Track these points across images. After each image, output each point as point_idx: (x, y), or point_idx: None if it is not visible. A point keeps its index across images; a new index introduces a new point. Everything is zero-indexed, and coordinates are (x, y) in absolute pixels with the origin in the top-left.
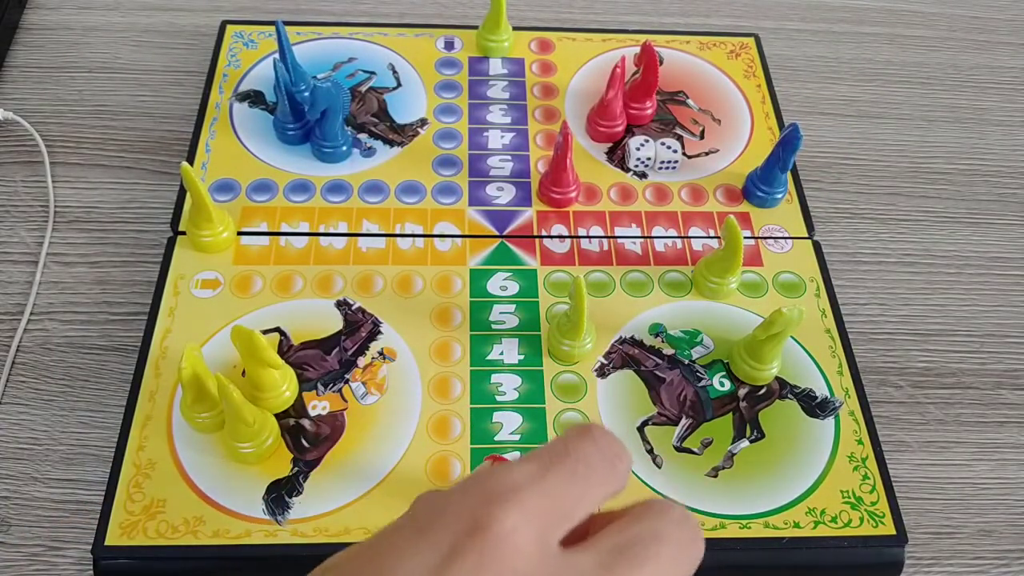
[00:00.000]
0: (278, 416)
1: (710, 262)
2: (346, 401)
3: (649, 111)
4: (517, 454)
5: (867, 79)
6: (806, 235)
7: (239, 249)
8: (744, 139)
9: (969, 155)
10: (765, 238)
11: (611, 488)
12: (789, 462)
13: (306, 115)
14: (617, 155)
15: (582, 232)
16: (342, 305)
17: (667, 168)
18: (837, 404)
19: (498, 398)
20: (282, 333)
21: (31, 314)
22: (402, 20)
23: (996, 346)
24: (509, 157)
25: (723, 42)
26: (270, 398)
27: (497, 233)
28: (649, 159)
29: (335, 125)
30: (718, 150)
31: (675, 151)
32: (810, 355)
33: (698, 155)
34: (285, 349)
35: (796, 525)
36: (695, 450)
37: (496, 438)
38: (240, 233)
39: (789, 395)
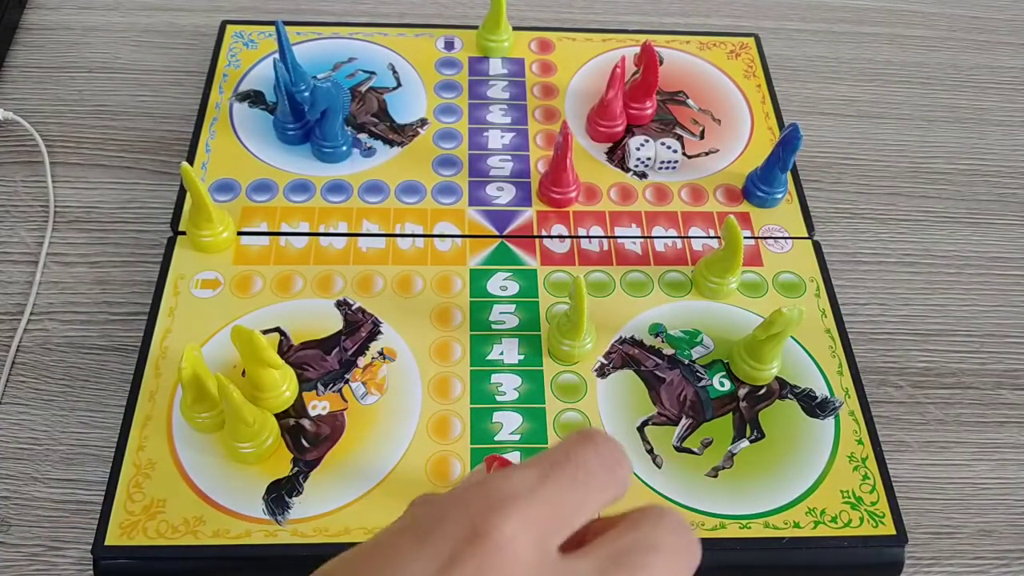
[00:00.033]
0: (278, 416)
1: (710, 262)
2: (346, 401)
3: (649, 111)
4: (517, 454)
5: (867, 79)
6: (806, 235)
7: (239, 249)
8: (744, 139)
9: (969, 155)
10: (765, 238)
11: (611, 494)
12: (789, 462)
13: (306, 115)
14: (617, 155)
15: (582, 232)
16: (342, 305)
17: (667, 168)
18: (837, 404)
19: (498, 398)
20: (282, 333)
21: (31, 314)
22: (402, 20)
23: (996, 346)
24: (509, 157)
25: (723, 42)
26: (270, 398)
27: (497, 233)
28: (649, 159)
29: (335, 125)
30: (718, 150)
31: (675, 151)
32: (810, 355)
33: (698, 155)
34: (285, 349)
35: (796, 525)
36: (695, 450)
37: (496, 438)
38: (240, 233)
39: (789, 395)
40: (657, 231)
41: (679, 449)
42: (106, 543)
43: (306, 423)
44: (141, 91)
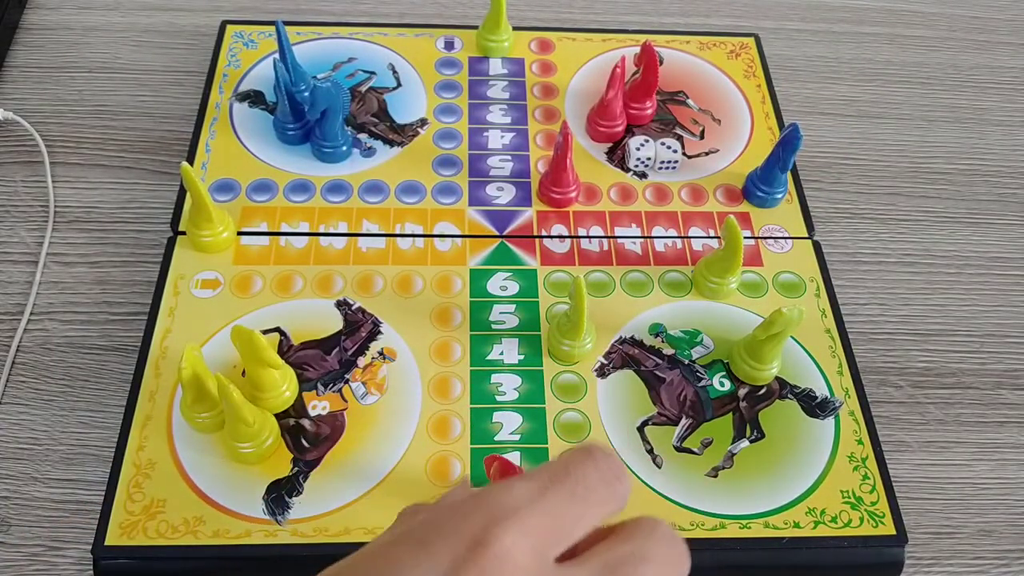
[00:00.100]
0: (278, 416)
1: (710, 262)
2: (346, 401)
3: (649, 111)
4: (517, 454)
5: (867, 79)
6: (806, 235)
7: (239, 249)
8: (744, 139)
9: (969, 155)
10: (765, 238)
11: (609, 509)
12: (789, 462)
13: (306, 115)
14: (617, 155)
15: (582, 232)
16: (342, 305)
17: (667, 168)
18: (837, 404)
19: (498, 398)
20: (282, 333)
21: (31, 314)
22: (402, 20)
23: (996, 346)
24: (509, 157)
25: (723, 42)
26: (270, 398)
27: (497, 233)
28: (649, 159)
29: (335, 125)
30: (718, 150)
31: (675, 151)
32: (810, 355)
33: (698, 155)
34: (285, 349)
35: (796, 525)
36: (695, 450)
37: (496, 438)
38: (240, 233)
39: (789, 395)
40: (657, 231)
41: (679, 449)
42: (106, 543)
43: (306, 423)
44: (141, 91)
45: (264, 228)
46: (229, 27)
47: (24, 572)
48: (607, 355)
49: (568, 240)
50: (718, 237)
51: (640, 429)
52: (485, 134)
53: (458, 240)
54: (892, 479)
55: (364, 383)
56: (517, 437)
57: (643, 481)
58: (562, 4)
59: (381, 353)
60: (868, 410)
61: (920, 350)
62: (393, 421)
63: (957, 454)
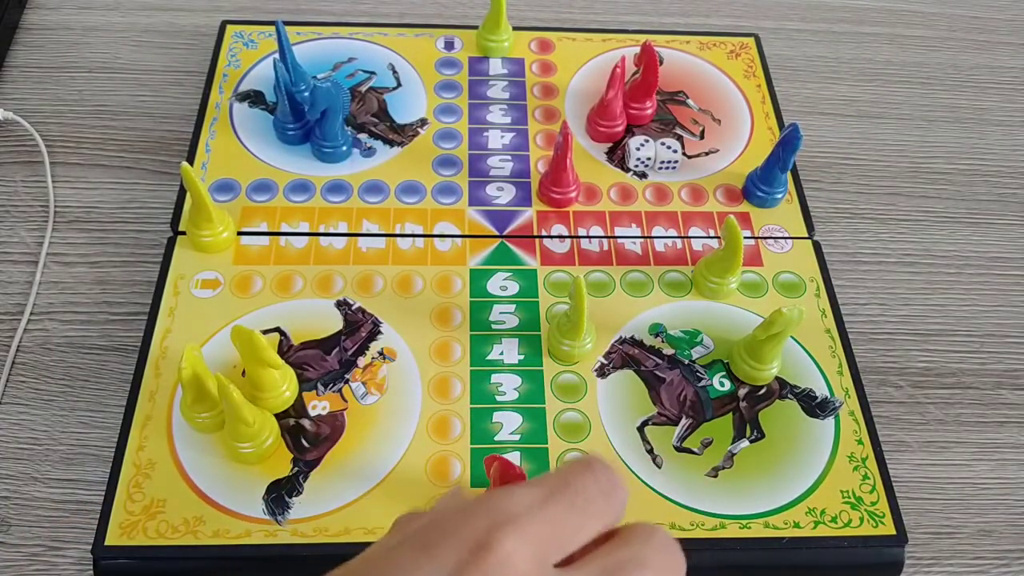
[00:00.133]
0: (278, 416)
1: (710, 262)
2: (346, 401)
3: (649, 111)
4: (517, 454)
5: (867, 79)
6: (806, 235)
7: (239, 249)
8: (744, 139)
9: (969, 155)
10: (765, 238)
11: (607, 520)
12: (789, 462)
13: (306, 115)
14: (617, 155)
15: (582, 232)
16: (342, 305)
17: (667, 168)
18: (837, 404)
19: (498, 398)
20: (282, 333)
21: (31, 314)
22: (402, 20)
23: (996, 346)
24: (509, 157)
25: (723, 42)
26: (270, 398)
27: (497, 233)
28: (649, 159)
29: (335, 125)
30: (718, 150)
31: (675, 151)
32: (810, 355)
33: (698, 155)
34: (285, 349)
35: (796, 525)
36: (695, 450)
37: (496, 438)
38: (240, 233)
39: (789, 395)
40: (657, 231)
41: (679, 449)
42: (106, 543)
43: (306, 423)
44: (141, 91)
45: (264, 228)
46: (229, 27)
47: (24, 572)
48: (607, 355)
49: (568, 240)
50: (718, 237)
51: (640, 429)
52: (485, 134)
53: (458, 240)
54: (892, 479)
55: (364, 383)
56: (517, 437)
57: (643, 481)
58: (562, 4)
59: (381, 353)
60: (868, 410)
61: (920, 350)
62: (393, 421)
63: (957, 454)
